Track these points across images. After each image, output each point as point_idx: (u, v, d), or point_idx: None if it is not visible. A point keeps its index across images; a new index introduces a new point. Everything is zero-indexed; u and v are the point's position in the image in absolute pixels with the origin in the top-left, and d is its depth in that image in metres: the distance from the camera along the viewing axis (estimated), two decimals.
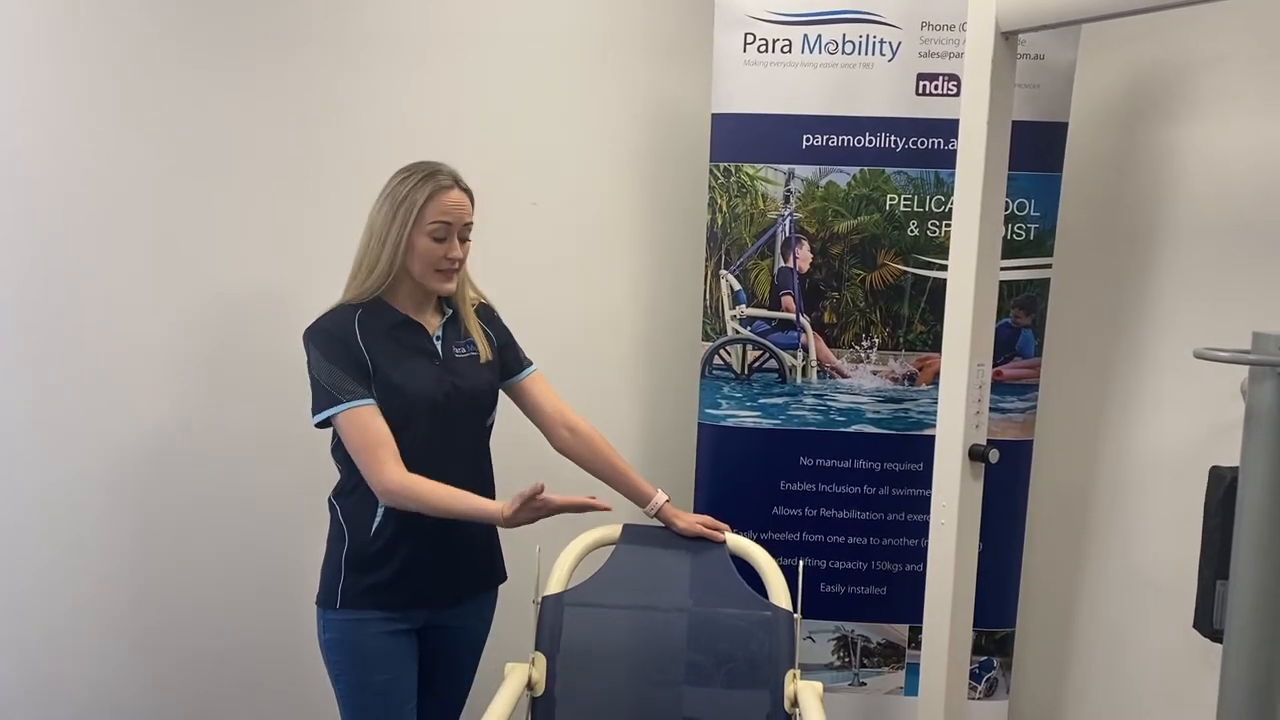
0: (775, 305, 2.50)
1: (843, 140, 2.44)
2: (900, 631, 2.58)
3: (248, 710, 2.37)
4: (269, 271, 2.28)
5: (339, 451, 1.84)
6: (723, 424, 2.53)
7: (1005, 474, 2.46)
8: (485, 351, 1.93)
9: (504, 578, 2.04)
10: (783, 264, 2.49)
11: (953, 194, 2.17)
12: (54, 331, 2.12)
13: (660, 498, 2.04)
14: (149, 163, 2.18)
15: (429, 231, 1.80)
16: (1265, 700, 1.99)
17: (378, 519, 1.82)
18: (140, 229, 2.18)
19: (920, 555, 2.55)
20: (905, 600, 2.55)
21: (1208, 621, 2.05)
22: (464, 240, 1.86)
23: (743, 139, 2.46)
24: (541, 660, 1.92)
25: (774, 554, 2.11)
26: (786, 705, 1.87)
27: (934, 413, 2.27)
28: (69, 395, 2.15)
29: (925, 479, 2.51)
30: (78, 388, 2.15)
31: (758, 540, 2.20)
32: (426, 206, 1.80)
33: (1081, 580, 2.68)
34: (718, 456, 2.55)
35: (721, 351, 2.52)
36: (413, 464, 1.80)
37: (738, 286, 2.50)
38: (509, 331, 2.04)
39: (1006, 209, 2.30)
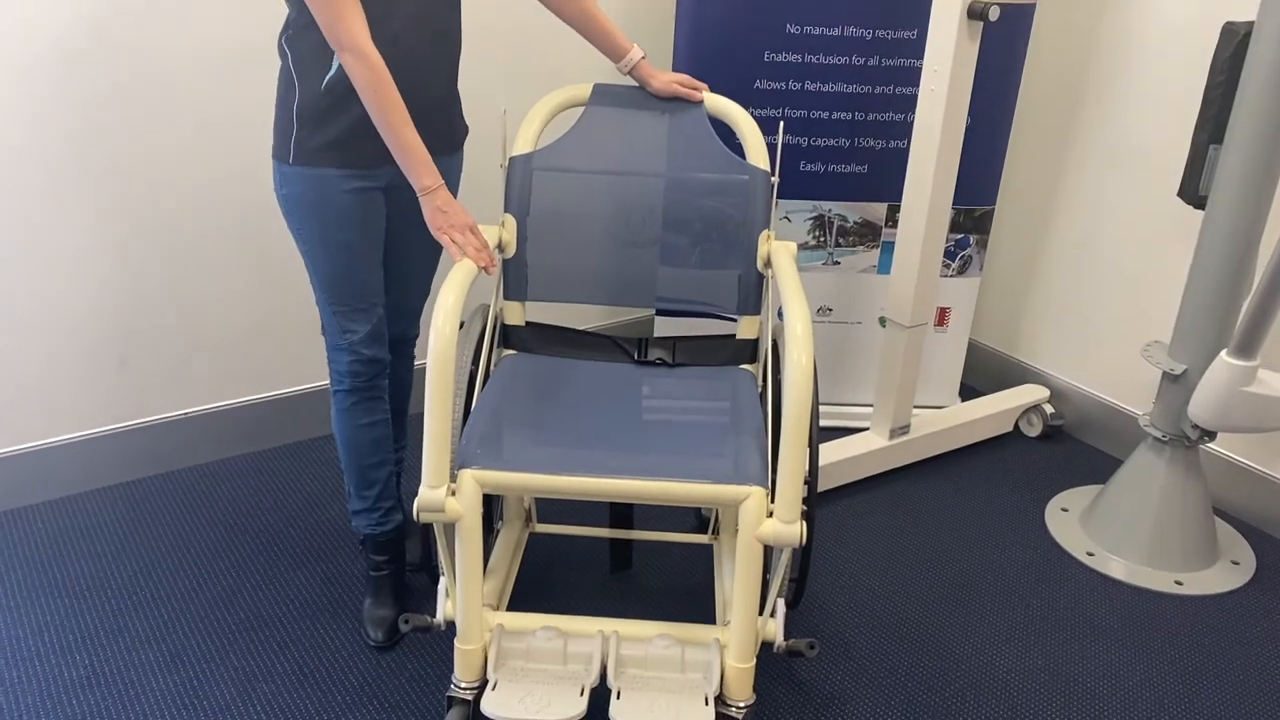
0: None
1: None
2: (878, 210, 2.55)
3: (220, 272, 2.36)
4: None
5: None
6: None
7: (1003, 39, 2.32)
8: None
9: (467, 131, 1.94)
10: None
11: None
12: None
13: (636, 53, 1.90)
14: None
15: None
16: (1239, 266, 2.00)
17: (331, 71, 1.68)
18: None
19: (906, 131, 2.46)
20: (886, 178, 2.50)
21: (1194, 188, 2.01)
22: None
23: None
24: (511, 221, 1.88)
25: None
26: (759, 265, 1.85)
27: None
28: None
29: (919, 48, 2.37)
30: None
31: None
32: None
33: (1068, 157, 2.62)
34: (698, 24, 2.37)
35: None
36: (386, 38, 1.64)
37: None
38: None
39: None
